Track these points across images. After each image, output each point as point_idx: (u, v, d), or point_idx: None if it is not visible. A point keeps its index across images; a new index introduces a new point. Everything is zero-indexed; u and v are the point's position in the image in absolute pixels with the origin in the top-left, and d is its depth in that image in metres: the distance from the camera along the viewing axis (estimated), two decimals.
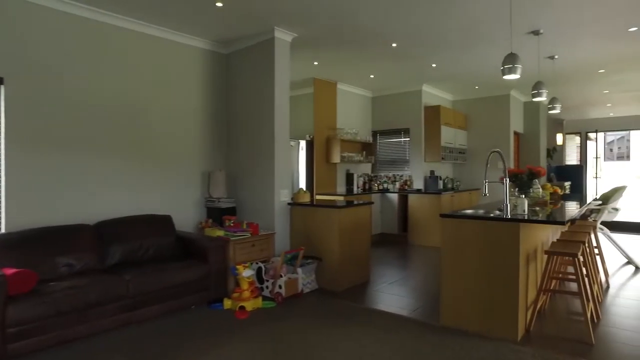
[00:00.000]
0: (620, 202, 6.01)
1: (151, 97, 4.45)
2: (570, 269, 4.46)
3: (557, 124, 11.32)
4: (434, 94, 8.05)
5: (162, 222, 4.13)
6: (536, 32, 4.84)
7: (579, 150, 13.42)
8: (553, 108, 5.95)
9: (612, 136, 12.99)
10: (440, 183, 7.58)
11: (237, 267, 3.78)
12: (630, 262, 5.60)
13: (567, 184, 11.10)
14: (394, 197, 7.36)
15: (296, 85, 7.35)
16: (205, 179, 4.88)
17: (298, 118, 7.67)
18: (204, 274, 3.77)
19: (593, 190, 12.62)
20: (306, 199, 4.78)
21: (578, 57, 5.80)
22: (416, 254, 6.40)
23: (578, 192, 10.87)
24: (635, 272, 5.16)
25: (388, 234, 7.45)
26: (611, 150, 13.02)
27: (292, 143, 6.67)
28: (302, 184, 6.95)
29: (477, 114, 8.48)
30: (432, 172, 7.84)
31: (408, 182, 7.71)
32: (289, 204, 4.71)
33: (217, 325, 3.37)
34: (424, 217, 6.98)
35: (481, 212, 3.65)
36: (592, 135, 12.72)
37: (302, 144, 6.96)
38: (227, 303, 3.74)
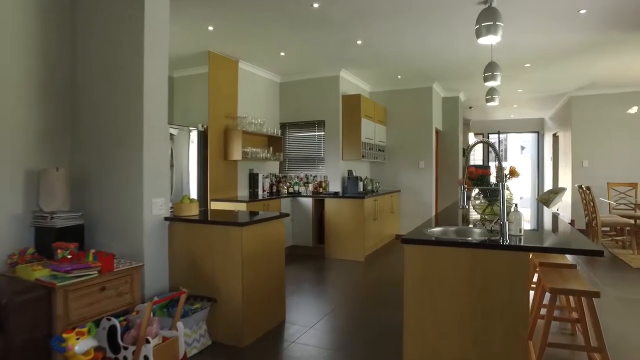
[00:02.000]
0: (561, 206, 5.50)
1: None
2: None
3: (464, 124, 11.14)
4: (352, 82, 7.00)
5: None
6: (487, 1, 3.96)
7: (481, 152, 13.63)
8: (492, 99, 5.21)
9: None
10: (361, 185, 6.55)
11: (66, 336, 2.18)
12: None
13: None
14: (307, 201, 6.14)
15: (186, 61, 5.74)
16: (33, 183, 3.10)
17: (189, 103, 6.07)
18: None
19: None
20: (193, 210, 3.28)
21: (516, 44, 5.12)
22: (338, 273, 5.24)
23: None
24: None
25: (300, 247, 6.21)
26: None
27: (174, 131, 5.08)
28: (193, 188, 5.37)
29: (397, 107, 7.65)
30: (350, 172, 6.77)
31: (323, 184, 6.55)
32: (167, 219, 3.17)
33: None
34: (344, 226, 5.87)
35: (452, 229, 2.55)
36: (493, 136, 12.94)
37: (194, 135, 5.38)
38: None
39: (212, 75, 5.42)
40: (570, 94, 8.21)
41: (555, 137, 10.64)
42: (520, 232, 2.19)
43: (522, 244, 1.99)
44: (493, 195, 2.89)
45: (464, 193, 2.41)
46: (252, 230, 3.02)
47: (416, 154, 7.45)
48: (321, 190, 6.52)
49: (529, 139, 18.75)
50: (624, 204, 7.23)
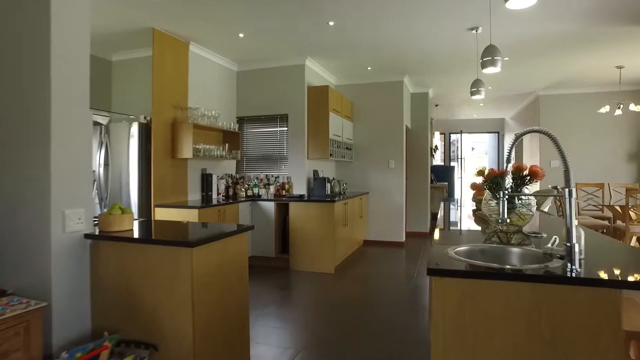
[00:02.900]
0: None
1: None
2: None
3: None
4: (318, 73, 6.33)
5: None
6: None
7: (443, 151, 13.42)
8: (477, 92, 4.70)
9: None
10: (328, 187, 5.89)
11: None
12: None
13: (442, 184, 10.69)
14: (269, 206, 5.39)
15: (127, 41, 4.85)
16: None
17: (131, 91, 5.21)
18: None
19: (462, 192, 12.66)
20: (126, 224, 2.45)
21: (497, 36, 4.65)
22: (308, 289, 4.54)
23: (451, 195, 10.48)
24: None
25: (262, 258, 5.45)
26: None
27: (102, 120, 4.20)
28: (134, 192, 4.48)
29: (366, 102, 7.06)
30: (316, 172, 6.10)
31: (287, 186, 5.83)
32: (88, 236, 2.33)
33: None
34: (311, 234, 5.18)
35: (480, 247, 1.94)
36: (454, 136, 12.74)
37: (135, 128, 4.48)
38: None
39: (157, 57, 4.55)
40: (539, 92, 8.00)
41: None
42: (582, 254, 1.61)
43: (603, 275, 1.39)
44: (516, 200, 2.30)
45: (503, 202, 1.79)
46: (206, 250, 2.26)
47: (386, 152, 6.90)
48: (284, 192, 5.79)
49: (482, 139, 19.05)
50: (592, 205, 7.07)
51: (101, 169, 4.62)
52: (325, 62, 6.09)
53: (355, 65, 6.22)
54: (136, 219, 2.95)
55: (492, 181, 2.48)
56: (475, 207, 3.54)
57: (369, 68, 6.38)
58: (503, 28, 4.52)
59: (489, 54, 3.72)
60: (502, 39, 4.82)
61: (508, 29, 4.56)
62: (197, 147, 4.88)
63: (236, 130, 5.70)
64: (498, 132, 12.60)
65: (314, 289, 4.49)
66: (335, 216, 5.10)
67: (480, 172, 2.72)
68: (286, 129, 5.95)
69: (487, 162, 14.95)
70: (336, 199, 5.33)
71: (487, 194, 2.43)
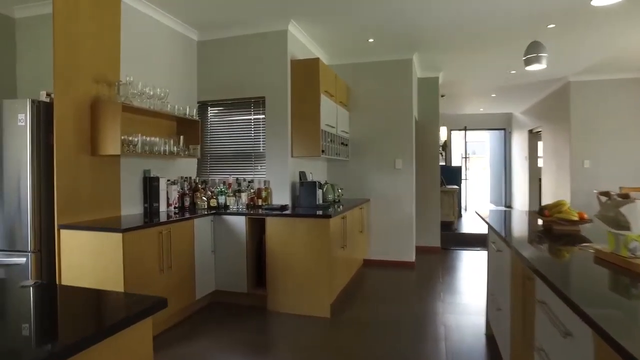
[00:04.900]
0: None
1: None
2: None
3: None
4: (305, 45, 4.86)
5: None
6: None
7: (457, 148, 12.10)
8: (536, 60, 3.27)
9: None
10: (319, 194, 4.41)
11: None
12: None
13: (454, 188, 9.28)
14: (239, 222, 3.89)
15: None
16: None
17: (42, 60, 3.68)
18: None
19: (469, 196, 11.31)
20: None
21: None
22: (290, 346, 3.05)
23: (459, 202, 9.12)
24: None
25: (229, 294, 3.94)
26: None
27: None
28: (26, 206, 2.93)
29: (365, 87, 5.62)
30: (303, 174, 4.63)
31: (264, 193, 4.34)
32: None
33: None
34: (297, 261, 3.69)
35: None
36: (456, 133, 11.43)
37: (24, 109, 2.94)
38: None
39: (62, 3, 3.02)
40: (570, 77, 6.68)
41: (534, 134, 9.23)
42: None
43: None
44: None
45: None
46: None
47: (391, 150, 5.47)
48: (260, 202, 4.31)
49: (479, 138, 17.83)
50: None
51: None
52: (314, 30, 4.63)
53: (353, 35, 4.77)
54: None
55: None
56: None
57: (370, 40, 4.94)
58: None
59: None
60: (541, 3, 3.43)
61: None
62: (130, 138, 3.36)
63: (195, 118, 4.18)
64: (504, 129, 11.31)
65: (300, 348, 3.01)
66: (331, 237, 3.63)
67: None
68: (263, 116, 4.46)
69: (489, 162, 13.69)
70: (331, 211, 3.87)
71: None
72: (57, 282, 2.99)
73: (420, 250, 6.02)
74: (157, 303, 1.17)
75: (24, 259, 2.96)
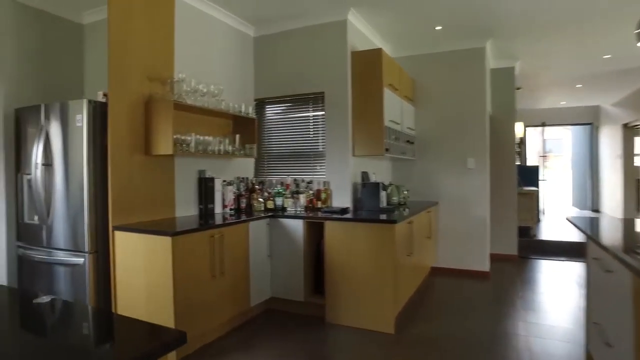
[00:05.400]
0: None
1: None
2: None
3: None
4: (365, 35, 4.53)
5: None
6: None
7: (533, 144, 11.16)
8: None
9: None
10: (383, 196, 4.06)
11: None
12: None
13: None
14: (296, 225, 3.64)
15: None
16: None
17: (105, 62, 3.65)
18: None
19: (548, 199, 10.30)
20: None
21: None
22: None
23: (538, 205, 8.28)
24: None
25: (285, 302, 3.72)
26: None
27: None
28: (83, 207, 2.90)
29: (432, 80, 5.16)
30: (365, 174, 4.30)
31: (323, 195, 4.08)
32: None
33: None
34: (359, 268, 3.37)
35: None
36: (530, 129, 10.46)
37: (84, 113, 2.90)
38: None
39: (117, 3, 2.96)
40: None
41: (630, 129, 8.14)
42: None
43: None
44: None
45: None
46: None
47: (462, 148, 4.97)
48: (320, 204, 4.05)
49: (557, 135, 16.32)
50: None
51: (38, 171, 3.08)
52: (375, 19, 4.29)
53: (419, 22, 4.36)
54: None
55: None
56: None
57: (438, 27, 4.50)
58: None
59: None
60: None
61: None
62: (183, 138, 3.24)
63: (250, 115, 4.01)
64: (591, 124, 10.15)
65: None
66: (396, 243, 3.27)
67: None
68: (322, 113, 4.20)
69: (570, 161, 12.42)
70: (396, 215, 3.51)
71: None
72: (112, 285, 2.93)
73: (495, 258, 5.44)
74: (175, 340, 0.91)
75: (82, 259, 2.93)
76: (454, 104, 5.02)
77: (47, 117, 3.06)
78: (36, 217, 3.14)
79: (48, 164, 3.05)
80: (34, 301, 1.19)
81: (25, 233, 3.26)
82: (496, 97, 5.81)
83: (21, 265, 3.30)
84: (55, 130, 3.02)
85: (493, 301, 4.12)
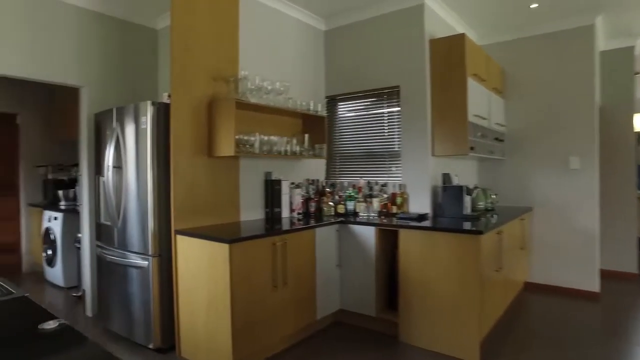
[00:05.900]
0: None
1: None
2: None
3: None
4: (445, 21, 4.08)
5: None
6: None
7: None
8: None
9: None
10: (467, 201, 3.58)
11: None
12: None
13: None
14: (368, 233, 3.32)
15: None
16: None
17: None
18: None
19: None
20: None
21: None
22: None
23: None
24: None
25: (355, 316, 3.42)
26: None
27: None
28: (148, 210, 2.87)
29: (525, 68, 4.53)
30: (447, 176, 3.85)
31: (399, 199, 3.71)
32: None
33: None
34: (438, 284, 2.96)
35: None
36: None
37: (148, 115, 2.88)
38: None
39: (182, 2, 2.90)
40: None
41: None
42: None
43: None
44: None
45: None
46: None
47: (563, 145, 4.27)
48: (395, 209, 3.68)
49: None
50: None
51: (110, 174, 3.13)
52: (457, 0, 3.82)
53: (509, 1, 3.81)
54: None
55: None
56: None
57: (534, 5, 3.89)
58: None
59: None
60: None
61: None
62: (247, 138, 3.09)
63: (319, 113, 3.78)
64: None
65: None
66: (482, 256, 2.81)
67: None
68: (398, 109, 3.83)
69: None
70: (482, 223, 3.03)
71: None
72: (175, 290, 2.86)
73: (607, 276, 4.62)
74: None
75: (147, 262, 2.90)
76: (553, 95, 4.34)
77: (119, 120, 3.09)
78: (109, 219, 3.20)
79: (118, 166, 3.08)
80: (39, 327, 1.04)
81: (102, 233, 3.35)
82: (608, 84, 4.95)
83: (100, 265, 3.41)
84: (125, 133, 3.04)
85: (604, 331, 3.42)
